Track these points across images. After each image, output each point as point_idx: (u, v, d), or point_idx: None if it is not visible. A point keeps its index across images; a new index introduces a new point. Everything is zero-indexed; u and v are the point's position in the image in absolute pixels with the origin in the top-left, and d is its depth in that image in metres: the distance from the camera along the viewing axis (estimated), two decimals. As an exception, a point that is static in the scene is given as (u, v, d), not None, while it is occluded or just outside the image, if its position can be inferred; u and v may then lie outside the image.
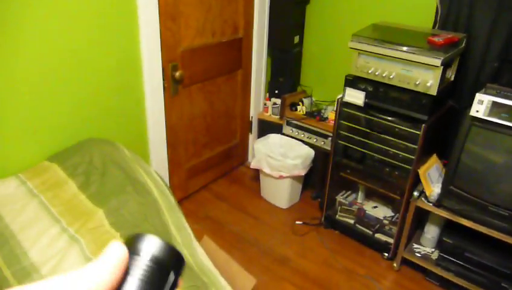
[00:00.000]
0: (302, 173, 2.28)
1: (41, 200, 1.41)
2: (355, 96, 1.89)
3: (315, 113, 2.44)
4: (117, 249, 0.26)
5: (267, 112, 2.65)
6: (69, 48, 1.61)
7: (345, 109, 1.96)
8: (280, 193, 2.42)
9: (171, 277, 0.28)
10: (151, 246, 0.27)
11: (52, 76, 1.60)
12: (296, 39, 2.53)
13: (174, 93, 2.12)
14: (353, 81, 1.88)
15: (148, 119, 2.03)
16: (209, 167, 2.59)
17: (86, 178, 1.52)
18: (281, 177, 2.30)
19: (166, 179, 2.29)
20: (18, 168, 1.59)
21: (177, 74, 2.04)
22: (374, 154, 1.94)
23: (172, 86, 2.09)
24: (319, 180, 2.46)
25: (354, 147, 2.00)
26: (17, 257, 1.18)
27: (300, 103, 2.50)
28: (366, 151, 1.97)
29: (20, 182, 1.49)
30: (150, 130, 2.06)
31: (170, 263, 0.28)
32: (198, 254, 1.52)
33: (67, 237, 1.25)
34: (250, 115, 2.76)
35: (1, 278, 1.10)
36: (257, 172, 2.53)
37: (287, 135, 2.50)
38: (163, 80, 2.02)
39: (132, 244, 0.27)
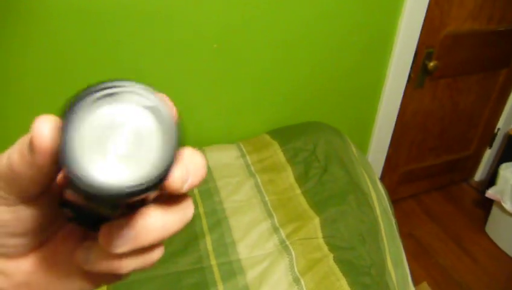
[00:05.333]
0: None
1: (257, 182, 1.28)
2: None
3: None
4: None
5: (525, 129, 2.03)
6: (312, 14, 1.39)
7: None
8: (516, 238, 1.87)
9: None
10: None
11: (285, 48, 1.42)
12: None
13: (418, 86, 1.74)
14: None
15: (380, 110, 1.72)
16: (426, 176, 2.17)
17: (305, 170, 1.34)
18: (528, 222, 1.74)
19: (376, 178, 1.99)
20: (239, 136, 1.52)
21: (431, 64, 1.65)
22: None
23: (420, 76, 1.71)
24: None
25: None
26: (225, 246, 1.07)
27: None
28: None
29: (240, 154, 1.41)
30: (378, 122, 1.76)
31: None
32: (412, 303, 1.22)
33: (277, 241, 1.09)
34: (497, 127, 2.18)
35: (207, 267, 1.01)
36: (484, 198, 1.99)
37: (550, 168, 1.87)
38: (411, 68, 1.66)
39: None
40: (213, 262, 1.03)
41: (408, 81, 1.69)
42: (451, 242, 1.96)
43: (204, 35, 1.27)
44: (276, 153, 1.41)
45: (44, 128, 0.20)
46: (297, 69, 1.48)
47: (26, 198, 0.23)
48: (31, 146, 0.20)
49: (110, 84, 0.20)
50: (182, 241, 1.08)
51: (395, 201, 2.17)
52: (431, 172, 2.17)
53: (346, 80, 1.60)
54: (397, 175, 2.06)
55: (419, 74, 1.70)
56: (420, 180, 2.18)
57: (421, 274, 1.79)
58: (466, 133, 2.12)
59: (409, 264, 1.33)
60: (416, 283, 1.37)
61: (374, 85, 1.67)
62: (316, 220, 1.16)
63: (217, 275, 1.00)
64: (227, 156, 1.40)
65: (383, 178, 2.01)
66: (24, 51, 1.10)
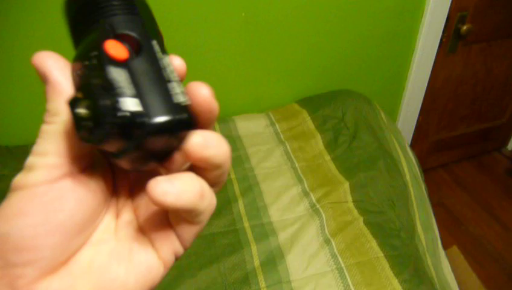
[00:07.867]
0: None
1: (286, 150, 1.31)
2: None
3: None
4: None
5: None
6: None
7: None
8: (550, 206, 1.83)
9: None
10: None
11: (312, 16, 1.41)
12: None
13: (451, 51, 1.70)
14: None
15: (410, 76, 1.70)
16: (457, 145, 2.14)
17: (334, 136, 1.35)
18: None
19: (405, 147, 1.98)
20: (268, 105, 1.53)
21: (465, 27, 1.60)
22: None
23: (452, 41, 1.66)
24: None
25: None
26: (257, 209, 1.11)
27: None
28: None
29: (269, 122, 1.43)
30: (408, 89, 1.73)
31: None
32: (442, 266, 1.23)
33: (308, 204, 1.12)
34: (534, 93, 2.11)
35: (240, 229, 1.05)
36: (520, 168, 1.96)
37: None
38: (443, 32, 1.61)
39: None
40: (246, 224, 1.07)
41: (440, 46, 1.65)
42: (482, 210, 1.94)
43: (233, 4, 1.27)
44: (305, 121, 1.42)
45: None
46: (326, 37, 1.47)
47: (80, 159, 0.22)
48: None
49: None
50: (216, 206, 1.12)
51: (425, 171, 2.15)
52: (462, 141, 2.13)
53: (376, 46, 1.58)
54: (427, 144, 2.04)
55: (452, 38, 1.65)
56: (451, 150, 2.15)
57: (451, 241, 1.79)
58: (500, 100, 2.07)
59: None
60: (445, 248, 1.37)
61: (404, 51, 1.64)
62: (346, 185, 1.17)
63: (250, 236, 1.04)
64: (256, 124, 1.42)
65: (412, 147, 1.99)
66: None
